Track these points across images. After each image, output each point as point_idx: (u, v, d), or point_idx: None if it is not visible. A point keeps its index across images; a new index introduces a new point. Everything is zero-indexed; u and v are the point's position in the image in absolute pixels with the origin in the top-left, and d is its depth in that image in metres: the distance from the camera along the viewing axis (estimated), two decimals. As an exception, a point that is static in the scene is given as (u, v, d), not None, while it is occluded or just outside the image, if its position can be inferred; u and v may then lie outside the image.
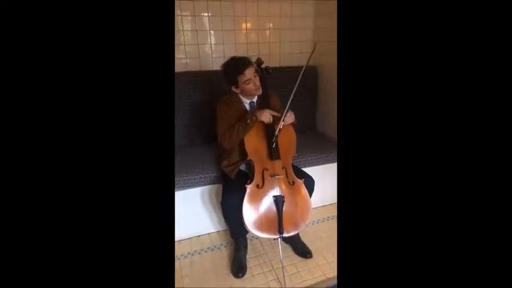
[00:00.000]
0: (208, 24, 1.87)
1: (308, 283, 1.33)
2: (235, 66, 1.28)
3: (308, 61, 1.22)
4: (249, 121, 1.27)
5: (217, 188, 1.55)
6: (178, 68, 1.83)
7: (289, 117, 1.30)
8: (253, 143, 1.31)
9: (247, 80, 1.27)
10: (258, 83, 1.31)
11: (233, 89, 1.34)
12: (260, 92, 1.33)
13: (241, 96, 1.39)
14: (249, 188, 1.24)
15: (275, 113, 1.29)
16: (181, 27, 1.82)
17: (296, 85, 1.21)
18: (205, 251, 1.55)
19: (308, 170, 1.49)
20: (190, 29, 1.84)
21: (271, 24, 2.02)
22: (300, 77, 1.20)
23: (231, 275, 1.38)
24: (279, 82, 1.70)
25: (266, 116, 1.28)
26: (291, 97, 1.22)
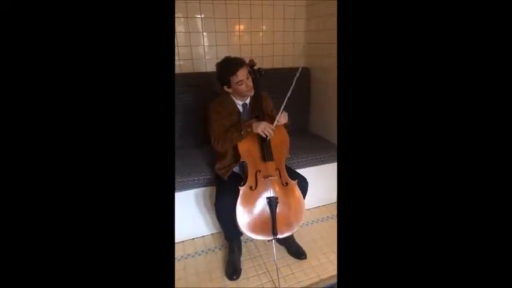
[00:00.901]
0: (201, 26, 1.87)
1: (302, 284, 1.33)
2: (228, 66, 1.27)
3: (296, 77, 1.23)
4: (242, 132, 1.26)
5: (210, 190, 1.54)
6: (171, 70, 1.82)
7: (283, 118, 1.30)
8: (246, 144, 1.30)
9: (240, 81, 1.27)
10: (250, 84, 1.31)
11: (225, 88, 1.33)
12: (252, 93, 1.33)
13: (233, 98, 1.39)
14: (242, 189, 1.24)
15: (273, 127, 1.25)
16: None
17: (290, 90, 1.22)
18: (199, 254, 1.53)
19: (301, 171, 1.49)
20: (183, 31, 1.84)
21: (264, 27, 2.03)
22: (293, 83, 1.21)
23: (225, 278, 1.37)
24: (271, 84, 1.71)
25: (262, 130, 1.24)
26: (286, 100, 1.23)
